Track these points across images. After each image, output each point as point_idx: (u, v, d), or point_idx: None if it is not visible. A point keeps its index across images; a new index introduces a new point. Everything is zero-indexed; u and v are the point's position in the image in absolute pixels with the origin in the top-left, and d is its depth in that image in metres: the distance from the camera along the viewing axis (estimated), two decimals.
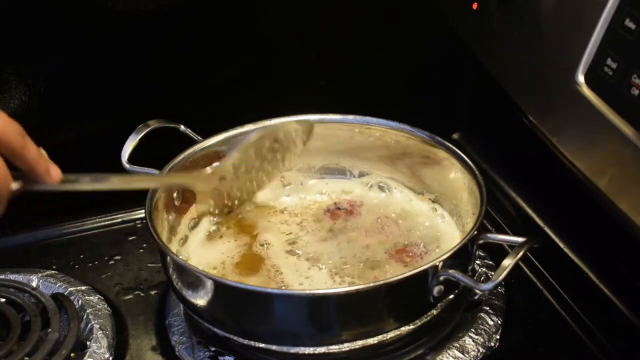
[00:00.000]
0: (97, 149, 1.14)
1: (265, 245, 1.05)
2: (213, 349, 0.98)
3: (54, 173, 0.78)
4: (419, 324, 0.92)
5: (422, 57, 1.31)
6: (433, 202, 1.11)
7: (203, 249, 1.05)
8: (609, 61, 0.89)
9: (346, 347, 0.90)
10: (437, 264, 0.88)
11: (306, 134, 1.05)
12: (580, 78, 0.93)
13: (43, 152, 0.78)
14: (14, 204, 0.78)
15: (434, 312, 0.92)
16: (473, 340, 0.98)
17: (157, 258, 1.08)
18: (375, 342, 0.91)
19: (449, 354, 0.96)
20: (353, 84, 1.29)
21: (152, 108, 1.13)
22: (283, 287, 0.98)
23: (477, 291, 0.99)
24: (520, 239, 0.92)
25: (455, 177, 1.05)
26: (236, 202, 1.03)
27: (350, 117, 1.11)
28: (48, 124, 1.18)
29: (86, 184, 0.86)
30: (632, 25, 0.86)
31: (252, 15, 1.22)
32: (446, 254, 0.89)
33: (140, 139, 1.05)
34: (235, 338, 0.93)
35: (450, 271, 0.88)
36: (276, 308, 0.89)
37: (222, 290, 0.90)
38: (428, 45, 1.30)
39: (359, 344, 0.90)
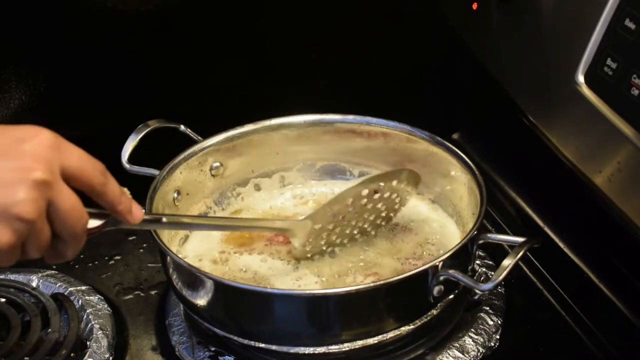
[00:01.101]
0: (97, 149, 1.14)
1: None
2: (213, 349, 0.98)
3: (136, 213, 0.78)
4: (419, 324, 0.92)
5: (422, 57, 1.31)
6: (433, 202, 1.11)
7: (203, 248, 1.05)
8: (609, 61, 0.89)
9: (346, 347, 0.90)
10: (437, 264, 0.88)
11: (412, 185, 1.03)
12: (580, 78, 0.93)
13: (126, 191, 0.78)
14: None
15: (434, 312, 0.92)
16: (473, 340, 0.98)
17: (157, 258, 1.08)
18: (375, 342, 0.91)
19: (449, 354, 0.96)
20: (353, 84, 1.29)
21: (152, 108, 1.13)
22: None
23: (477, 291, 0.99)
24: (520, 239, 0.92)
25: (455, 177, 1.05)
26: (335, 245, 1.02)
27: (350, 117, 1.11)
28: (48, 124, 1.17)
29: (170, 225, 0.94)
30: (632, 25, 0.86)
31: (252, 15, 1.22)
32: (446, 254, 0.89)
33: (140, 139, 1.05)
34: (235, 338, 0.93)
35: (450, 271, 0.88)
36: (276, 308, 0.89)
37: (222, 290, 0.90)
38: (428, 46, 1.30)
39: (359, 344, 0.90)
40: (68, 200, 0.71)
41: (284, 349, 0.92)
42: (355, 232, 1.03)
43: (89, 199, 0.75)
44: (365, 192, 0.99)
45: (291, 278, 0.99)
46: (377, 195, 1.00)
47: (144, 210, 0.80)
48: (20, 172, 0.69)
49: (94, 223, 0.76)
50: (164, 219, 0.91)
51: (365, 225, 1.03)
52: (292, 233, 0.99)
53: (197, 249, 1.05)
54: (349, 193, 0.99)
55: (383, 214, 1.04)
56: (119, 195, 0.76)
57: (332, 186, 1.15)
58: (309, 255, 1.01)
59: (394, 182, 1.01)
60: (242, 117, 1.11)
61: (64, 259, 0.74)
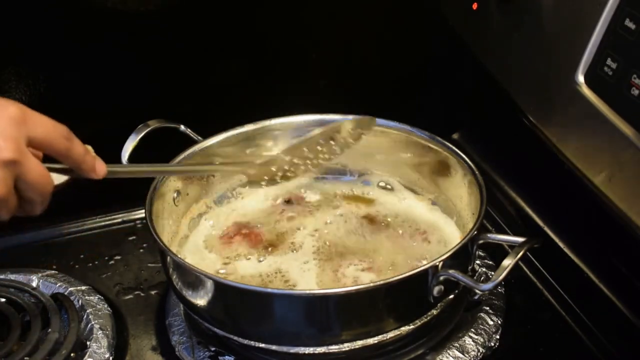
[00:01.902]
0: (97, 149, 1.14)
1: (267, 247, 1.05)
2: (213, 349, 0.98)
3: (99, 169, 0.82)
4: (419, 324, 0.92)
5: (422, 57, 1.31)
6: (433, 202, 1.11)
7: (203, 249, 1.05)
8: (609, 61, 0.89)
9: (346, 347, 0.90)
10: (437, 264, 0.88)
11: (366, 129, 1.06)
12: (580, 78, 0.93)
13: (89, 148, 0.82)
14: None
15: (434, 312, 0.92)
16: (473, 340, 0.98)
17: (157, 258, 1.08)
18: (375, 342, 0.91)
19: (449, 354, 0.96)
20: (353, 84, 1.29)
21: (152, 108, 1.13)
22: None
23: (477, 291, 0.99)
24: (520, 239, 0.92)
25: (455, 177, 1.05)
26: (289, 176, 1.04)
27: (350, 117, 1.11)
28: None
29: (130, 172, 0.94)
30: (632, 25, 0.86)
31: (252, 15, 1.22)
32: (446, 254, 0.89)
33: (140, 139, 1.05)
34: (235, 338, 0.93)
35: (450, 271, 0.88)
36: (276, 308, 0.89)
37: (222, 290, 0.90)
38: (428, 45, 1.30)
39: (359, 344, 0.90)
40: (35, 171, 0.75)
41: (284, 349, 0.92)
42: (307, 166, 1.04)
43: None
44: (322, 140, 1.02)
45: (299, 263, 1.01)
46: (332, 141, 1.03)
47: (106, 166, 0.83)
48: None
49: (59, 179, 0.80)
50: (125, 169, 0.96)
51: (315, 162, 1.04)
52: (246, 174, 1.02)
53: (198, 249, 1.05)
54: (306, 143, 1.02)
55: (333, 148, 1.04)
56: (83, 155, 0.80)
57: (332, 186, 1.15)
58: (263, 185, 1.02)
59: (350, 129, 1.04)
60: (242, 117, 1.11)
61: (32, 215, 0.79)
